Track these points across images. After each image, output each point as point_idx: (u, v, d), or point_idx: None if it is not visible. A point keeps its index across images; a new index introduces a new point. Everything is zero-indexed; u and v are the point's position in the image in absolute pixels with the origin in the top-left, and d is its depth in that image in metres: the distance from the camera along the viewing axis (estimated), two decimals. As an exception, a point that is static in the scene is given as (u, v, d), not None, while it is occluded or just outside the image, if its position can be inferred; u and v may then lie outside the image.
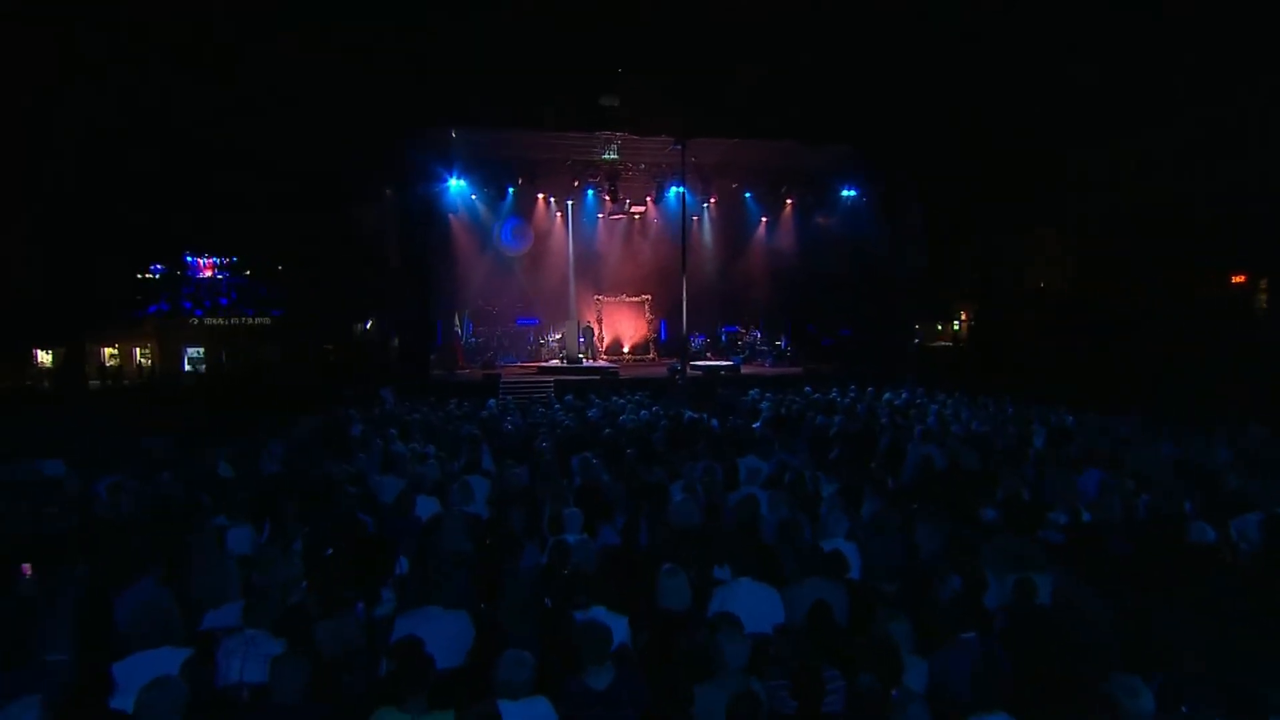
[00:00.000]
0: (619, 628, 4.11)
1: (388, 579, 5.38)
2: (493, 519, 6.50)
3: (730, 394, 15.07)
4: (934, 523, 5.24)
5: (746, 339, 22.02)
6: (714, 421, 11.56)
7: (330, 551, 5.72)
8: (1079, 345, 16.87)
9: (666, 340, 22.71)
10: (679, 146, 16.24)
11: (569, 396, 13.72)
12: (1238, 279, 15.85)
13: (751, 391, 14.53)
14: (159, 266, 22.70)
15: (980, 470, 7.41)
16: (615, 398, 13.56)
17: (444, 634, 4.05)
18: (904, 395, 13.11)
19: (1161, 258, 16.73)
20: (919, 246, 17.36)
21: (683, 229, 16.33)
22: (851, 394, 13.90)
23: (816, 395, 13.72)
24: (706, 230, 21.84)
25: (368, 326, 23.08)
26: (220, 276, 22.89)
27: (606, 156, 17.70)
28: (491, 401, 13.67)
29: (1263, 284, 15.45)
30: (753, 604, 4.25)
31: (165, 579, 4.37)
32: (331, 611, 4.30)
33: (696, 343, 21.74)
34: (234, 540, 5.74)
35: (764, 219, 22.24)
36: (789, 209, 21.32)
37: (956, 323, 28.07)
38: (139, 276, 22.71)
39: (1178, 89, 15.01)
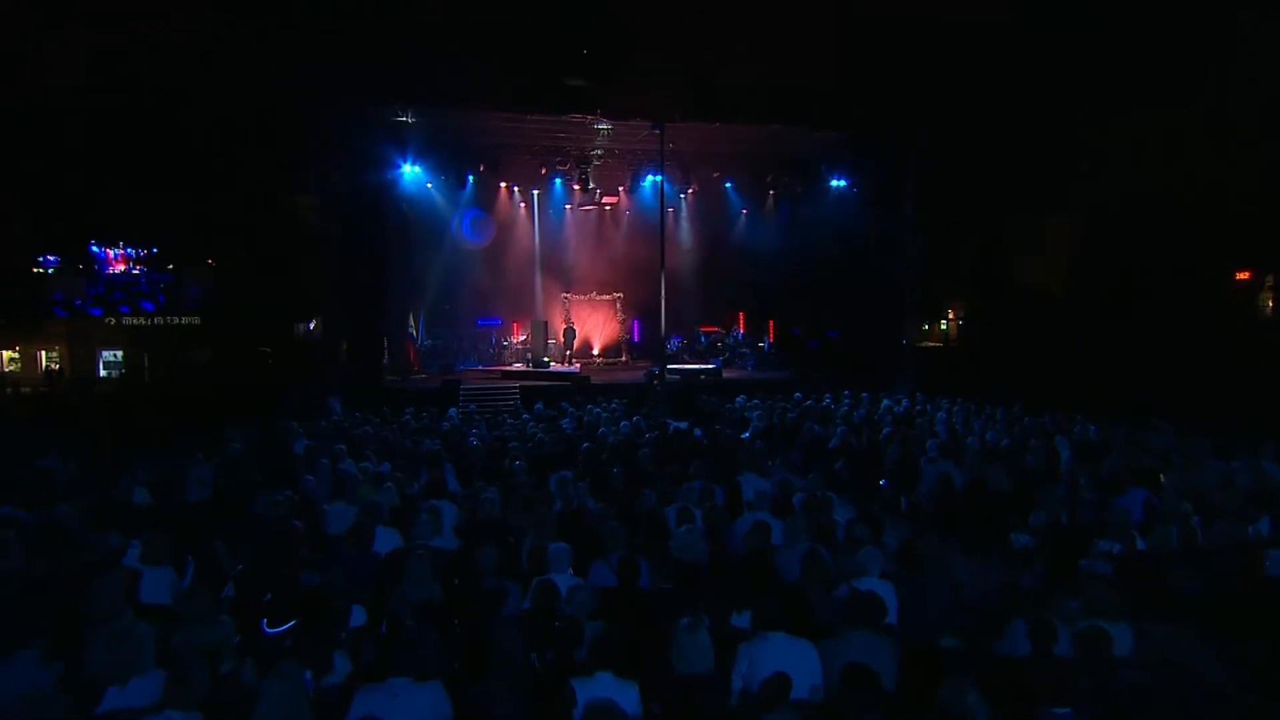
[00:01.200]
0: (628, 699, 3.59)
1: (340, 634, 4.75)
2: (462, 553, 5.91)
3: (714, 401, 14.70)
4: (980, 555, 4.82)
5: (726, 340, 21.69)
6: (697, 432, 11.13)
7: (269, 598, 5.08)
8: (1077, 346, 16.87)
9: (639, 342, 22.43)
10: (657, 130, 15.69)
11: (539, 405, 13.19)
12: (1242, 275, 16.00)
13: (738, 398, 14.17)
14: (52, 258, 20.98)
15: (1010, 490, 7.06)
16: (590, 406, 13.00)
17: (413, 713, 3.47)
18: (904, 403, 12.84)
19: (1161, 252, 16.84)
20: (913, 240, 17.15)
21: (661, 220, 15.93)
22: (847, 401, 13.60)
23: (809, 402, 13.37)
24: (684, 223, 21.46)
25: (310, 327, 22.09)
26: (137, 271, 21.47)
27: (598, 141, 17.09)
28: (453, 411, 13.07)
29: (1269, 280, 15.62)
30: (789, 664, 3.75)
31: (52, 651, 3.67)
32: (273, 683, 3.67)
33: (672, 345, 21.31)
34: (149, 588, 5.04)
35: (744, 211, 21.97)
36: (771, 200, 21.08)
37: (944, 322, 28.15)
38: (34, 270, 21.03)
39: (1181, 73, 15.10)
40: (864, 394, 14.34)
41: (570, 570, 5.29)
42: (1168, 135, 16.09)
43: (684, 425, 11.73)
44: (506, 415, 12.74)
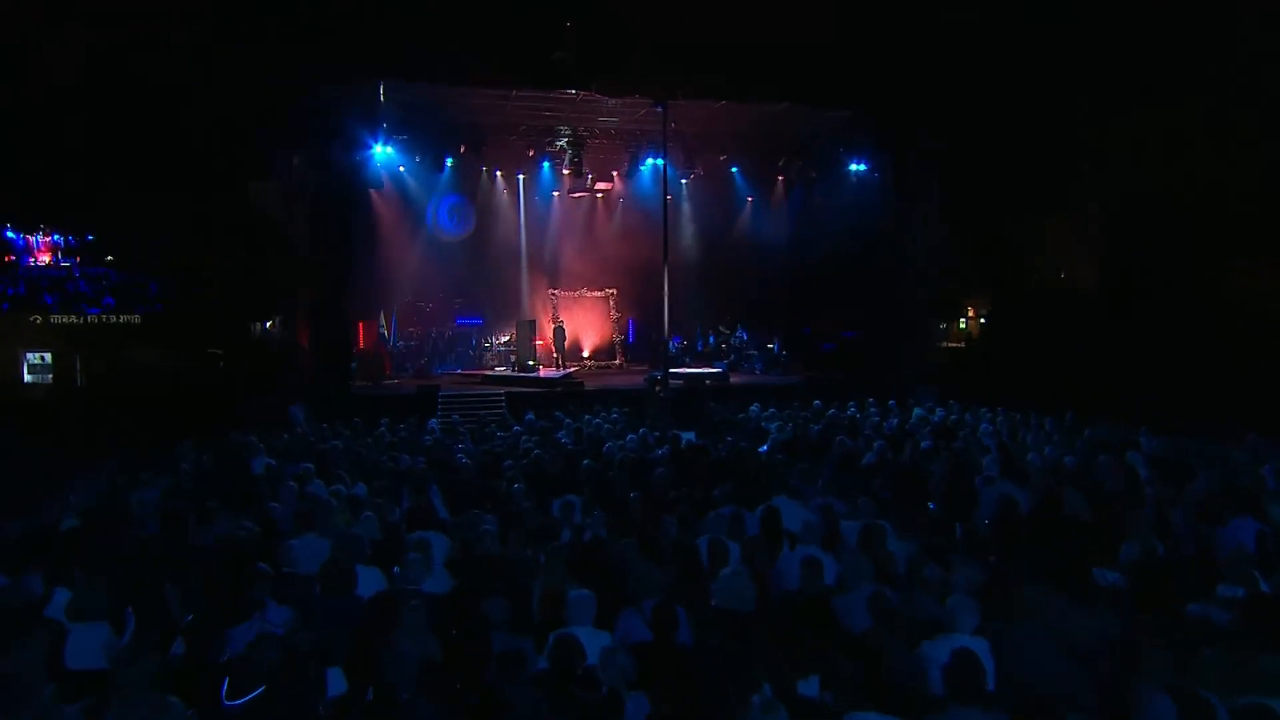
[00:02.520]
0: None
1: (317, 705, 4.18)
2: (459, 597, 5.34)
3: (725, 410, 14.24)
4: (1101, 605, 4.33)
5: (732, 341, 21.31)
6: (721, 448, 10.65)
7: (228, 658, 4.50)
8: (1111, 346, 16.54)
9: (634, 343, 22.07)
10: (659, 109, 15.26)
11: (530, 415, 12.65)
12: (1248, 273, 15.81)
13: (751, 407, 13.72)
14: None
15: (1089, 517, 6.60)
16: (588, 416, 12.54)
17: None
18: (938, 411, 12.43)
19: (1194, 245, 16.59)
20: (939, 231, 16.82)
21: (664, 207, 15.56)
22: (873, 410, 13.20)
23: (832, 411, 12.94)
24: (685, 211, 21.01)
25: (268, 326, 21.36)
26: (67, 263, 20.47)
27: (592, 121, 16.64)
28: (433, 422, 12.53)
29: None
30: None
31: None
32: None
33: (671, 346, 20.77)
34: (78, 649, 4.43)
35: (749, 199, 21.62)
36: (780, 186, 20.74)
37: (964, 320, 27.89)
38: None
39: (1230, 52, 14.87)
40: (889, 402, 13.94)
41: (592, 622, 4.74)
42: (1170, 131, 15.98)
43: (695, 438, 11.23)
44: (493, 426, 12.19)
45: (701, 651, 4.65)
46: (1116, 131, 17.11)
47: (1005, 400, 13.25)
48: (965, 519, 7.54)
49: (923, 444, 10.00)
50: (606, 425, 11.93)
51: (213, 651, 4.63)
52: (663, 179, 15.50)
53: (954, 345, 25.38)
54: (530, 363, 18.42)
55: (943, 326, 26.01)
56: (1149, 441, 8.97)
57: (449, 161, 17.97)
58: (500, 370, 18.73)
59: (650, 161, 18.77)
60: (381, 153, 16.93)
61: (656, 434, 11.31)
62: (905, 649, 4.27)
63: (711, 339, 21.58)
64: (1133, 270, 17.81)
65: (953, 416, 12.17)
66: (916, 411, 12.68)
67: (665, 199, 15.59)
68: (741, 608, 4.91)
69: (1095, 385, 14.25)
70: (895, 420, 11.90)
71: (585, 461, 8.80)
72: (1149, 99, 16.31)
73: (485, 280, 20.55)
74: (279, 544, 5.95)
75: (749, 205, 21.73)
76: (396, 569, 6.02)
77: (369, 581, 5.48)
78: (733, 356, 20.83)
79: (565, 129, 17.65)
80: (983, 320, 26.41)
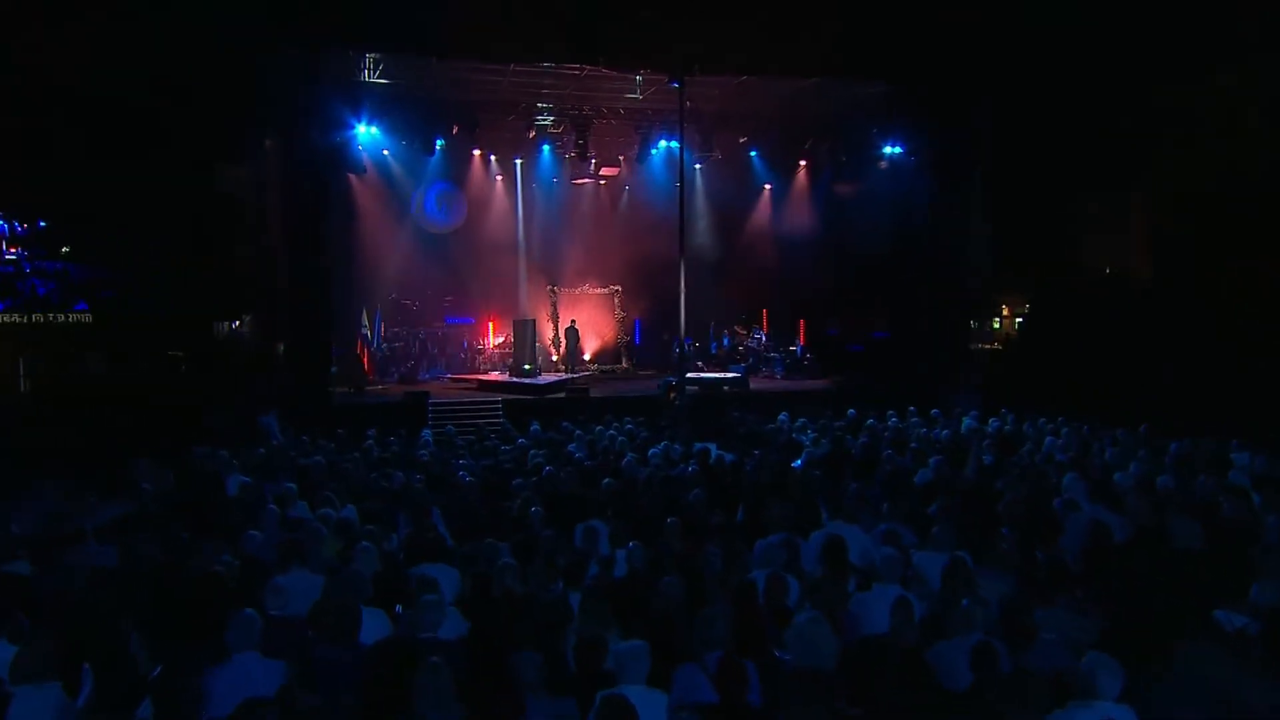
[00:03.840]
0: None
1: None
2: (476, 642, 4.89)
3: (750, 419, 13.85)
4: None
5: (748, 343, 21.01)
6: (748, 465, 10.23)
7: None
8: (1179, 347, 16.12)
9: (642, 345, 21.69)
10: (675, 85, 14.82)
11: (535, 426, 12.32)
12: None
13: (780, 416, 13.36)
14: None
15: (1204, 549, 6.18)
16: (599, 427, 12.19)
17: None
18: (993, 423, 12.04)
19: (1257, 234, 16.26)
20: (981, 221, 16.55)
21: (680, 193, 15.20)
22: (915, 420, 12.81)
23: (870, 421, 12.58)
24: (700, 199, 20.65)
25: (235, 326, 20.90)
26: (14, 254, 19.86)
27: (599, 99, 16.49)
28: (426, 434, 12.18)
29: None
30: None
31: None
32: None
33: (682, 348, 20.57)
34: (24, 716, 3.94)
35: (767, 185, 21.36)
36: (803, 171, 20.48)
37: (998, 320, 27.59)
38: None
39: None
40: (933, 411, 13.57)
41: (645, 679, 4.28)
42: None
43: (718, 451, 10.85)
44: (495, 438, 11.80)
45: (776, 716, 4.20)
46: (1189, 102, 16.64)
47: (1058, 408, 12.81)
48: (1045, 549, 7.11)
49: (982, 458, 9.61)
50: (621, 437, 11.59)
51: (188, 710, 4.16)
52: (679, 162, 15.13)
53: (989, 346, 25.04)
54: (527, 366, 18.01)
55: (972, 324, 25.55)
56: (1246, 458, 8.55)
57: (439, 144, 17.59)
58: (495, 376, 18.33)
59: (664, 144, 18.45)
60: (365, 134, 16.60)
61: (680, 447, 10.99)
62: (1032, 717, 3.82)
63: (726, 340, 21.26)
64: (1200, 263, 17.40)
65: (1007, 427, 11.76)
66: (966, 422, 12.28)
67: (682, 184, 15.24)
68: (821, 664, 4.46)
69: (1164, 392, 13.88)
70: (945, 431, 11.46)
71: (606, 480, 8.34)
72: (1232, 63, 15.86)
73: (477, 275, 20.23)
74: (263, 581, 5.47)
75: (767, 193, 21.44)
76: (399, 608, 5.60)
77: (372, 626, 5.03)
78: (750, 360, 20.45)
79: (569, 108, 17.32)
80: (1018, 319, 26.04)
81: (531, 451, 10.18)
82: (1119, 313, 18.42)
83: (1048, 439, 10.36)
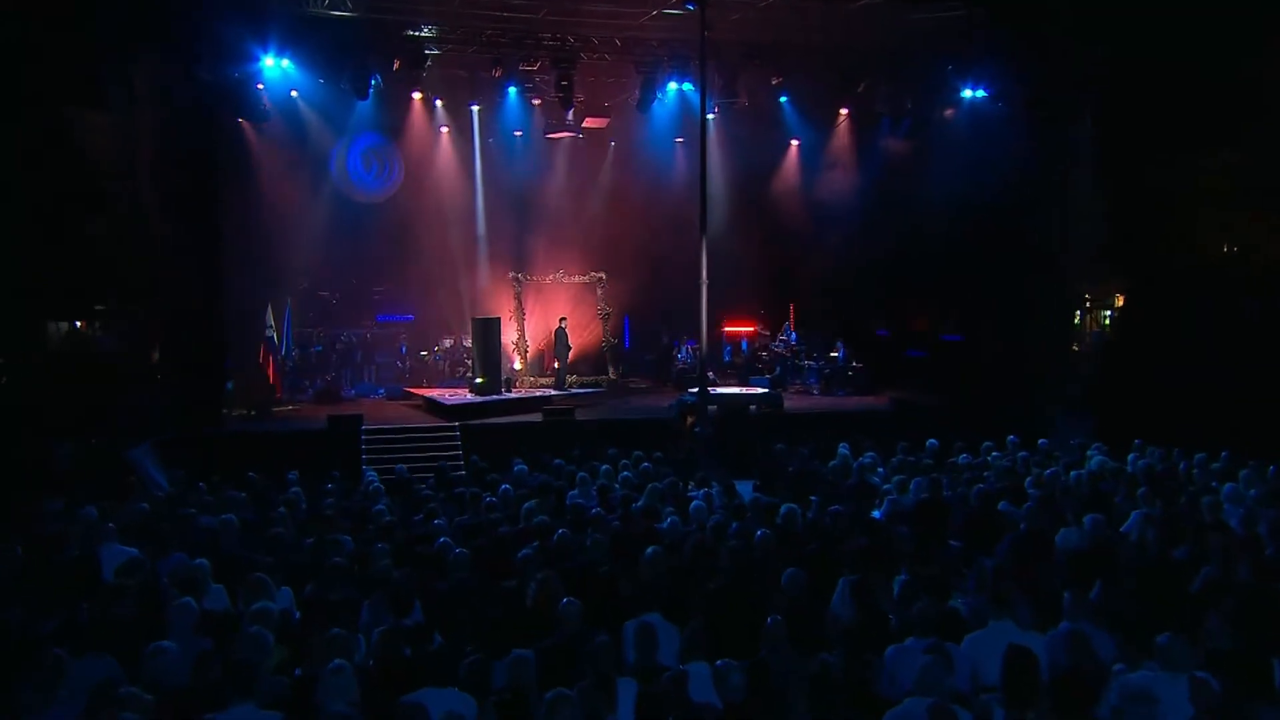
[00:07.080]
0: None
1: None
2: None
3: (799, 454, 13.16)
4: None
5: (774, 347, 21.06)
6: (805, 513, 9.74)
7: None
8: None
9: (632, 349, 21.97)
10: (691, 7, 14.67)
11: (518, 464, 11.92)
12: None
13: (840, 447, 12.90)
14: None
15: None
16: (604, 466, 11.79)
17: None
18: (1136, 460, 11.56)
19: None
20: (1091, 190, 16.60)
21: (701, 148, 14.86)
22: (1021, 454, 12.43)
23: (964, 457, 12.22)
24: (714, 158, 20.25)
25: (78, 326, 20.31)
26: None
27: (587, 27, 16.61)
28: (371, 474, 11.83)
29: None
30: None
31: None
32: None
33: (682, 354, 20.89)
34: None
35: (794, 141, 21.55)
36: (845, 123, 20.54)
37: (1079, 313, 27.79)
38: None
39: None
40: (1040, 441, 13.25)
41: None
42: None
43: (784, 502, 10.25)
44: (459, 483, 11.38)
45: None
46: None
47: (1186, 432, 12.62)
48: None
49: (1144, 509, 9.02)
50: (635, 478, 11.08)
51: None
52: (701, 109, 14.92)
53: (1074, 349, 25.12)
54: (479, 381, 17.62)
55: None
56: None
57: (372, 85, 17.10)
58: (447, 394, 17.89)
59: (672, 86, 18.22)
60: (273, 68, 16.29)
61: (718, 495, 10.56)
62: None
63: (744, 344, 21.29)
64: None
65: (1155, 464, 11.33)
66: (1094, 458, 11.83)
67: (704, 135, 14.99)
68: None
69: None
70: (1072, 473, 10.93)
71: (650, 550, 7.52)
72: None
73: (419, 259, 20.23)
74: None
75: (794, 149, 21.59)
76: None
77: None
78: (777, 368, 20.38)
79: (548, 38, 17.07)
80: (1104, 312, 25.98)
81: (529, 503, 9.57)
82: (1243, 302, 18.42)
83: (1226, 485, 9.88)
